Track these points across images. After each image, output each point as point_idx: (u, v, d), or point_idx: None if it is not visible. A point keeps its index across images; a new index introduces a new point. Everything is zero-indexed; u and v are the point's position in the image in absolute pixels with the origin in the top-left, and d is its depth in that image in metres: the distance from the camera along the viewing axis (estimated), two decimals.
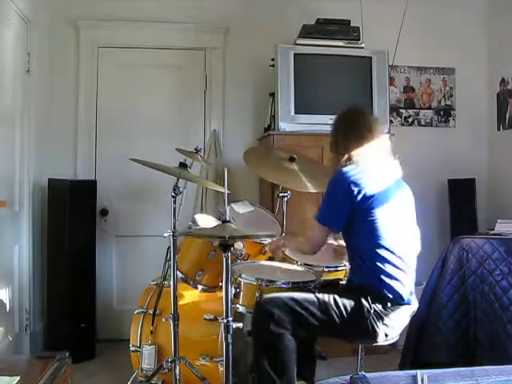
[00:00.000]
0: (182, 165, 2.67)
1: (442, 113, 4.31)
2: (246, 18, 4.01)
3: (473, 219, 3.84)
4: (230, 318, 1.89)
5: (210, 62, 4.07)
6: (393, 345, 2.38)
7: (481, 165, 4.21)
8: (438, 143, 4.20)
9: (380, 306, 2.08)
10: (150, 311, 2.74)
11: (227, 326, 1.89)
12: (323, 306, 2.08)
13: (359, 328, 2.09)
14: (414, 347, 2.91)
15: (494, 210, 4.05)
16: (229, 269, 1.90)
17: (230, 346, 1.89)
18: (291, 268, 2.59)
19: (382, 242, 2.11)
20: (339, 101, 3.62)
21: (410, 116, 4.27)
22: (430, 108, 4.30)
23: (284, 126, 3.54)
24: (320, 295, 2.12)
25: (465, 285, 2.90)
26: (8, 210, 3.17)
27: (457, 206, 3.95)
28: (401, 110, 4.26)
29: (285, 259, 2.72)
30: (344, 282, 2.42)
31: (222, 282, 1.97)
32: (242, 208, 2.89)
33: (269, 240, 2.58)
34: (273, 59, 3.60)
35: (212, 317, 2.51)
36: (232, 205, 2.85)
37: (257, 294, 2.28)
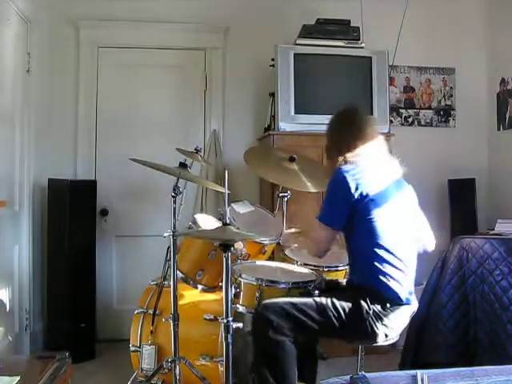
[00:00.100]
0: (182, 165, 2.66)
1: (441, 113, 4.31)
2: (246, 18, 4.01)
3: (473, 219, 3.84)
4: (230, 318, 1.89)
5: (210, 62, 4.07)
6: (393, 345, 2.38)
7: (481, 165, 4.21)
8: (438, 143, 4.20)
9: (379, 307, 2.07)
10: (150, 311, 2.74)
11: (227, 326, 1.88)
12: (321, 309, 2.07)
13: (358, 329, 2.09)
14: (413, 347, 2.91)
15: (494, 209, 4.05)
16: (229, 269, 1.89)
17: (230, 346, 1.89)
18: (291, 268, 2.59)
19: (381, 242, 2.11)
20: (339, 101, 3.61)
21: (409, 116, 4.27)
22: (429, 108, 4.30)
23: (284, 125, 3.54)
24: (318, 298, 2.12)
25: (465, 285, 2.90)
26: (8, 209, 3.17)
27: (457, 206, 3.95)
28: (401, 110, 4.26)
29: (285, 259, 2.72)
30: (344, 282, 2.43)
31: (222, 282, 1.97)
32: (242, 208, 2.89)
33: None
34: (273, 59, 3.61)
35: (212, 317, 2.51)
36: (232, 205, 2.84)
37: (257, 294, 2.29)
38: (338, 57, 3.70)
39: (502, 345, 2.73)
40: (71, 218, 3.41)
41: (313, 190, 2.86)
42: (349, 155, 2.20)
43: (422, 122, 4.29)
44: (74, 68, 3.91)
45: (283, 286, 2.30)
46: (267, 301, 2.15)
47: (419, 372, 1.63)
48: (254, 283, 2.31)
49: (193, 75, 4.06)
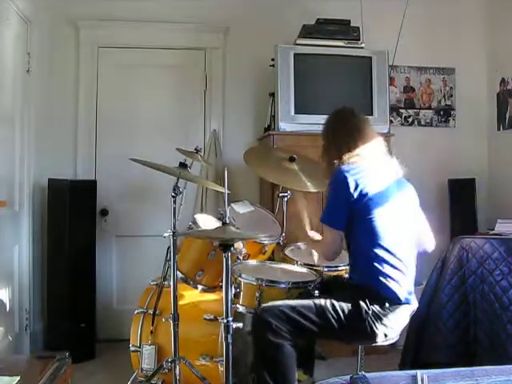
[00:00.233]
0: (182, 165, 2.66)
1: (441, 113, 4.31)
2: (246, 18, 4.01)
3: (473, 219, 3.84)
4: (230, 318, 1.89)
5: (210, 62, 4.07)
6: (393, 345, 2.38)
7: (481, 165, 4.21)
8: (438, 143, 4.20)
9: (378, 307, 2.07)
10: (150, 311, 2.74)
11: (227, 326, 1.89)
12: (320, 311, 2.07)
13: (358, 330, 2.08)
14: (413, 347, 2.90)
15: (494, 209, 4.05)
16: (229, 269, 1.90)
17: (230, 346, 1.89)
18: (291, 268, 2.59)
19: (381, 242, 2.11)
20: (339, 101, 3.58)
21: (409, 116, 4.27)
22: (429, 108, 4.30)
23: (284, 126, 3.54)
24: (317, 300, 2.11)
25: (465, 285, 2.89)
26: (8, 209, 3.17)
27: (457, 206, 3.95)
28: (401, 110, 4.26)
29: (285, 259, 2.72)
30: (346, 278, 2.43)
31: (222, 282, 1.97)
32: (242, 208, 2.90)
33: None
34: (273, 59, 3.60)
35: (212, 317, 2.51)
36: (232, 205, 2.85)
37: (257, 294, 2.29)
38: (338, 57, 3.70)
39: (502, 345, 2.73)
40: (71, 218, 3.41)
41: (313, 189, 2.86)
42: (348, 155, 2.21)
43: (422, 122, 4.29)
44: (74, 68, 3.91)
45: (283, 285, 2.31)
46: (267, 304, 2.15)
47: (419, 372, 1.63)
48: (254, 283, 2.31)
49: (193, 75, 4.06)
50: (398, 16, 3.77)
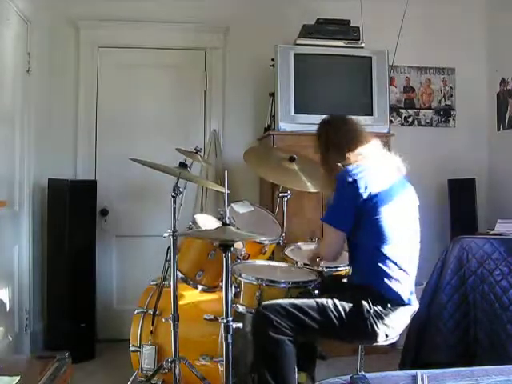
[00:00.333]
0: (182, 165, 2.66)
1: (442, 113, 4.31)
2: (246, 18, 4.01)
3: (473, 219, 3.84)
4: (230, 318, 1.89)
5: (210, 62, 4.07)
6: (393, 345, 2.38)
7: (481, 165, 4.21)
8: (438, 143, 4.19)
9: (380, 307, 2.07)
10: (150, 311, 2.74)
11: (227, 326, 1.88)
12: (322, 309, 2.07)
13: (359, 329, 2.09)
14: (414, 347, 2.90)
15: (494, 210, 4.05)
16: (229, 269, 1.89)
17: (230, 346, 1.89)
18: (291, 268, 2.59)
19: (387, 242, 2.10)
20: (339, 101, 3.64)
21: (409, 116, 4.27)
22: (430, 108, 4.30)
23: (284, 126, 3.54)
24: (319, 299, 2.12)
25: (465, 285, 2.89)
26: (8, 210, 3.17)
27: (457, 206, 3.95)
28: (401, 110, 4.26)
29: (285, 259, 2.72)
30: (345, 280, 2.42)
31: (222, 282, 1.97)
32: (242, 208, 2.90)
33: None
34: (273, 59, 3.60)
35: (212, 317, 2.50)
36: (232, 205, 2.85)
37: (257, 294, 2.29)
38: (338, 57, 3.70)
39: (502, 345, 2.73)
40: (71, 218, 3.41)
41: (313, 190, 2.86)
42: (349, 154, 2.20)
43: (422, 122, 4.29)
44: (74, 68, 3.91)
45: (283, 285, 2.31)
46: (268, 302, 2.14)
47: (419, 372, 1.63)
48: (254, 283, 2.31)
49: (193, 75, 4.05)
50: (398, 16, 3.77)
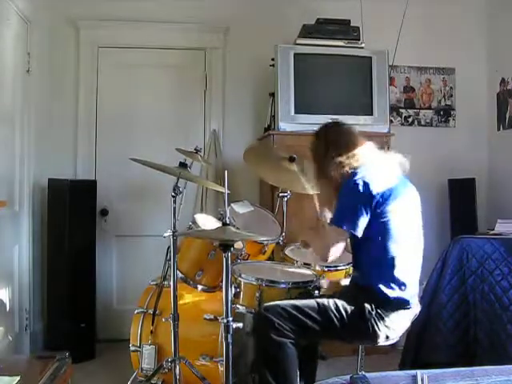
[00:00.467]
0: (182, 165, 2.67)
1: (442, 113, 4.31)
2: (246, 18, 4.01)
3: (473, 219, 3.84)
4: (230, 318, 1.89)
5: (210, 62, 4.07)
6: (393, 345, 2.38)
7: (481, 165, 4.21)
8: (438, 143, 4.19)
9: (381, 309, 2.06)
10: (150, 311, 2.74)
11: (227, 326, 1.88)
12: (323, 310, 2.06)
13: (360, 330, 2.08)
14: (414, 347, 2.90)
15: (494, 209, 4.05)
16: (229, 269, 1.89)
17: (230, 346, 1.89)
18: (291, 268, 2.59)
19: (392, 244, 2.09)
20: (339, 101, 3.64)
21: (409, 116, 4.27)
22: (430, 108, 4.30)
23: (284, 125, 3.54)
24: (320, 300, 2.11)
25: (465, 285, 2.89)
26: (8, 210, 3.17)
27: (457, 206, 3.95)
28: (401, 110, 4.26)
29: (285, 259, 2.72)
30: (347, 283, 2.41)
31: (221, 282, 1.97)
32: (242, 208, 2.89)
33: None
34: (273, 59, 3.60)
35: (212, 317, 2.51)
36: (232, 205, 2.85)
37: (257, 294, 2.29)
38: (338, 57, 3.70)
39: (502, 345, 2.73)
40: (71, 218, 3.41)
41: (311, 192, 2.84)
42: (351, 156, 2.18)
43: (422, 122, 4.29)
44: (74, 68, 3.91)
45: (283, 285, 2.31)
46: (269, 303, 2.14)
47: (419, 372, 1.63)
48: (254, 283, 2.31)
49: (193, 75, 4.06)
50: (398, 16, 3.77)
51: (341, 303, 2.08)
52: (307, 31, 3.70)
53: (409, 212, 2.18)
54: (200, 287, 2.66)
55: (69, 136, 3.90)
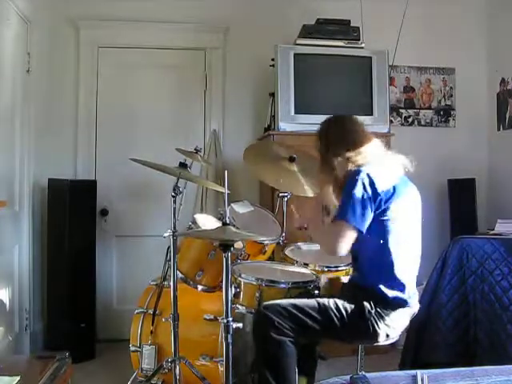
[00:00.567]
0: (182, 165, 2.67)
1: (442, 113, 4.31)
2: (246, 18, 4.01)
3: (473, 219, 3.84)
4: (230, 318, 1.89)
5: (210, 62, 4.07)
6: (393, 344, 2.37)
7: (481, 165, 4.21)
8: (438, 143, 4.20)
9: (381, 308, 2.07)
10: (150, 311, 2.74)
11: (227, 326, 1.88)
12: (323, 309, 2.06)
13: (360, 329, 2.08)
14: (414, 347, 2.90)
15: (494, 209, 4.05)
16: (229, 269, 1.89)
17: (230, 346, 1.89)
18: (291, 268, 2.59)
19: (392, 243, 2.08)
20: (339, 101, 3.64)
21: (409, 116, 4.27)
22: (430, 108, 4.30)
23: (284, 125, 3.54)
24: (320, 299, 2.11)
25: (465, 285, 2.89)
26: (8, 210, 3.17)
27: (457, 206, 3.95)
28: (401, 110, 4.26)
29: (285, 259, 2.72)
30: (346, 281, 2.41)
31: (221, 282, 1.97)
32: (242, 208, 2.89)
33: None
34: (273, 59, 3.60)
35: (212, 317, 2.51)
36: (232, 205, 2.85)
37: (257, 294, 2.29)
38: (338, 57, 3.70)
39: (502, 345, 2.73)
40: (71, 218, 3.41)
41: (310, 194, 2.84)
42: (356, 153, 2.17)
43: (422, 122, 4.29)
44: (74, 68, 3.91)
45: (283, 285, 2.31)
46: (269, 302, 2.14)
47: (419, 372, 1.63)
48: (254, 283, 2.31)
49: (193, 75, 4.06)
50: (398, 16, 3.77)
51: (341, 303, 2.08)
52: (307, 31, 3.70)
53: (409, 211, 2.18)
54: (200, 287, 2.65)
55: (69, 136, 3.89)
